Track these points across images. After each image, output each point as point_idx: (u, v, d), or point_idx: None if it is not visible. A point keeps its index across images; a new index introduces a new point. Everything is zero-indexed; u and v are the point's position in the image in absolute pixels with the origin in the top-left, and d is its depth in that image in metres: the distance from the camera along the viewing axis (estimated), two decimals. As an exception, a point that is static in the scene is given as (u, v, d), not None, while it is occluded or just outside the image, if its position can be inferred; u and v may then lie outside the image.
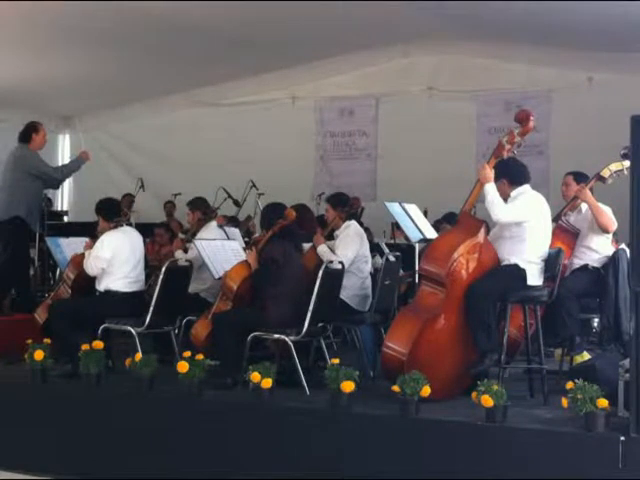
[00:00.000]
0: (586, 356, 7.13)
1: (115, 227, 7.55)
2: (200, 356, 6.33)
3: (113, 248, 7.37)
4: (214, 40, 10.85)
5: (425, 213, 9.11)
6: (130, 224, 9.06)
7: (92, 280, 7.53)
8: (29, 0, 8.95)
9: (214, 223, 8.71)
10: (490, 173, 6.42)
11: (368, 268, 7.80)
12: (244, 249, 7.97)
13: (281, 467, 5.83)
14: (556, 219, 7.19)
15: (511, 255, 6.43)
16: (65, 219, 12.83)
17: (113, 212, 7.67)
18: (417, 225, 8.26)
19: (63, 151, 14.97)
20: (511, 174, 6.55)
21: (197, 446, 6.08)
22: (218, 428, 6.09)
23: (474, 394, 5.56)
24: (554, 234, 6.79)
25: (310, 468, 5.75)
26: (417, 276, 7.54)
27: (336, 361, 6.07)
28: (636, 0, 8.60)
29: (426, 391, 5.65)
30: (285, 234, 7.06)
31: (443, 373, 6.21)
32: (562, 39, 10.77)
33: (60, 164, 11.52)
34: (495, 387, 5.49)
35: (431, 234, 8.21)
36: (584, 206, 7.31)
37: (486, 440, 5.45)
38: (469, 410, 5.65)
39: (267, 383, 5.99)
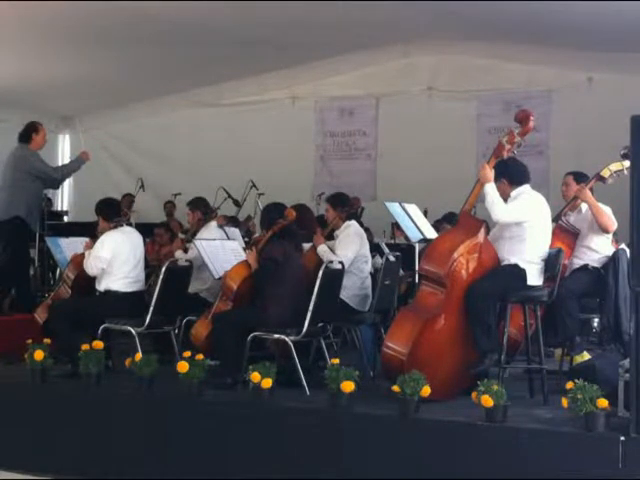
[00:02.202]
0: (586, 356, 7.13)
1: (115, 227, 7.55)
2: (200, 356, 6.33)
3: (113, 248, 7.37)
4: (214, 40, 10.86)
5: (425, 213, 9.11)
6: (130, 224, 9.07)
7: (92, 280, 7.53)
8: (29, 0, 8.96)
9: (214, 223, 8.71)
10: (490, 173, 6.42)
11: (368, 268, 7.80)
12: (244, 249, 7.97)
13: (281, 467, 5.83)
14: (556, 219, 7.18)
15: (511, 255, 6.42)
16: (65, 219, 12.84)
17: (113, 212, 7.67)
18: (417, 225, 8.27)
19: (63, 151, 14.97)
20: (511, 174, 6.55)
21: (197, 446, 6.08)
22: (218, 428, 6.10)
23: (474, 394, 5.56)
24: (554, 234, 6.79)
25: (310, 468, 5.75)
26: (417, 276, 7.54)
27: (336, 361, 6.07)
28: (636, 0, 8.60)
29: (426, 391, 5.64)
30: (285, 234, 7.06)
31: (443, 373, 6.20)
32: (562, 39, 10.77)
33: (60, 164, 11.53)
34: (495, 387, 5.49)
35: (431, 234, 8.22)
36: (584, 206, 7.30)
37: (486, 440, 5.45)
38: (469, 410, 5.65)
39: (267, 383, 5.99)
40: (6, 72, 11.50)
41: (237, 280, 7.03)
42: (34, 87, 12.17)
